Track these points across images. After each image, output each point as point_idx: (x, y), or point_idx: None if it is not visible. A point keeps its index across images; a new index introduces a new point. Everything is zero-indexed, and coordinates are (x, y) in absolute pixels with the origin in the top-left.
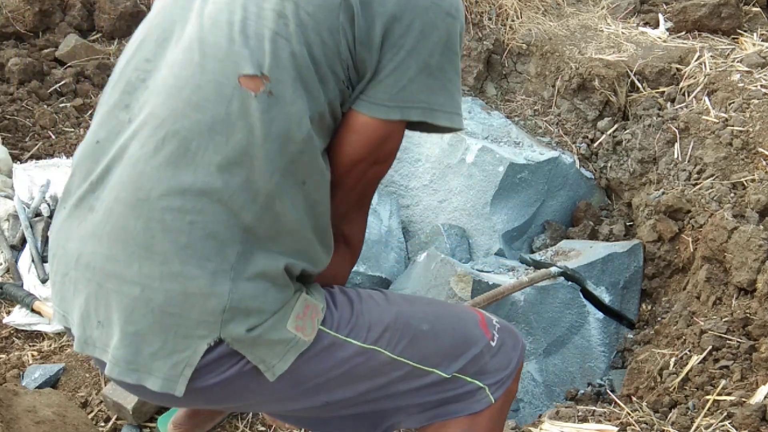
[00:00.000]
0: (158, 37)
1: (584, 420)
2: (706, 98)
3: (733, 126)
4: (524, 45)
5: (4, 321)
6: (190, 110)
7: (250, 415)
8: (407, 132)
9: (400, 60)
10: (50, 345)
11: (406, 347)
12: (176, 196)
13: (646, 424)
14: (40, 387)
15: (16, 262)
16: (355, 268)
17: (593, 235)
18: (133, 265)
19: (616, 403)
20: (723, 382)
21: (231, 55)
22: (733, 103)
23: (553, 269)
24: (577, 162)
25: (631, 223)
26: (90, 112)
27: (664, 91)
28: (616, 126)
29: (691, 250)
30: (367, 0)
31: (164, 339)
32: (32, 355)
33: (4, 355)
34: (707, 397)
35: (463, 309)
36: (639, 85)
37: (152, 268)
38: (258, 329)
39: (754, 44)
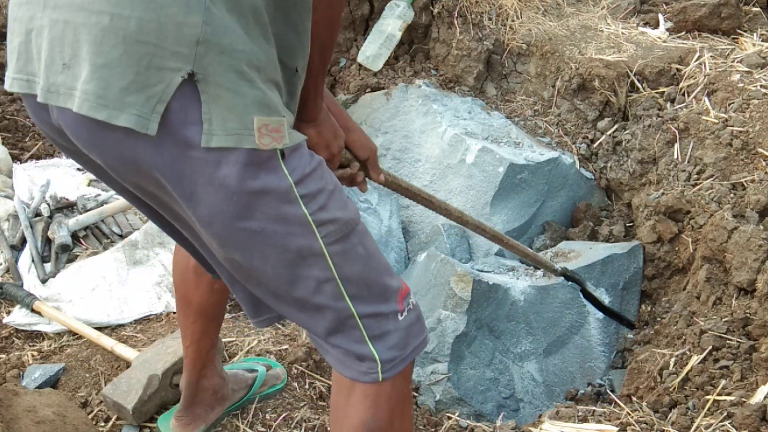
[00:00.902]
0: None
1: (584, 420)
2: (706, 98)
3: (732, 126)
4: (524, 45)
5: (4, 321)
6: None
7: (250, 415)
8: (406, 132)
9: None
10: (50, 345)
11: (338, 251)
12: None
13: (646, 424)
14: (40, 387)
15: (16, 262)
16: None
17: (593, 236)
18: None
19: (616, 403)
20: (723, 382)
21: None
22: (733, 103)
23: (558, 267)
24: (577, 162)
25: (631, 223)
26: None
27: (664, 92)
28: (616, 126)
29: (691, 250)
30: None
31: (136, 71)
32: (32, 355)
33: (4, 355)
34: (707, 397)
35: (393, 272)
36: (639, 86)
37: None
38: (231, 78)
39: (754, 44)
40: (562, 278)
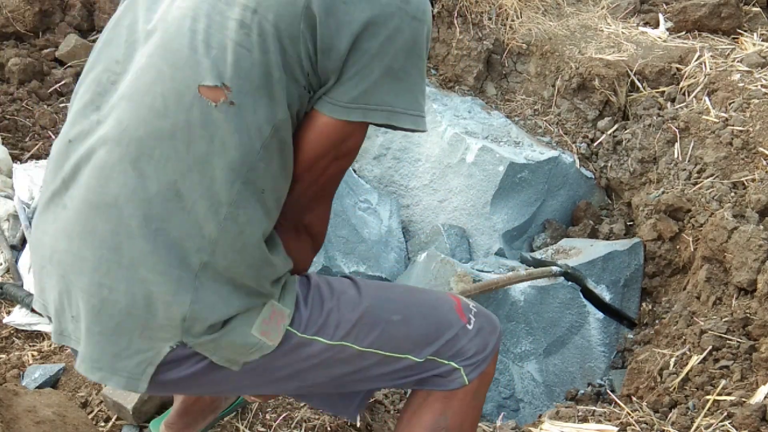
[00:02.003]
0: (127, 38)
1: (584, 420)
2: (707, 98)
3: (733, 126)
4: (524, 45)
5: (4, 321)
6: (153, 117)
7: (251, 415)
8: (407, 132)
9: (364, 64)
10: (50, 345)
11: (375, 339)
12: (142, 203)
13: (646, 424)
14: (40, 387)
15: (16, 262)
16: (355, 268)
17: (593, 235)
18: (100, 267)
19: (616, 403)
20: (723, 382)
21: (192, 65)
22: (733, 102)
23: (554, 268)
24: (577, 161)
25: (631, 222)
26: None
27: (664, 91)
28: (616, 126)
29: (692, 249)
30: (330, 9)
31: (128, 340)
32: (32, 355)
33: (4, 355)
34: (707, 397)
35: (440, 295)
36: (639, 85)
37: (119, 272)
38: (220, 332)
39: (754, 44)
40: (562, 278)
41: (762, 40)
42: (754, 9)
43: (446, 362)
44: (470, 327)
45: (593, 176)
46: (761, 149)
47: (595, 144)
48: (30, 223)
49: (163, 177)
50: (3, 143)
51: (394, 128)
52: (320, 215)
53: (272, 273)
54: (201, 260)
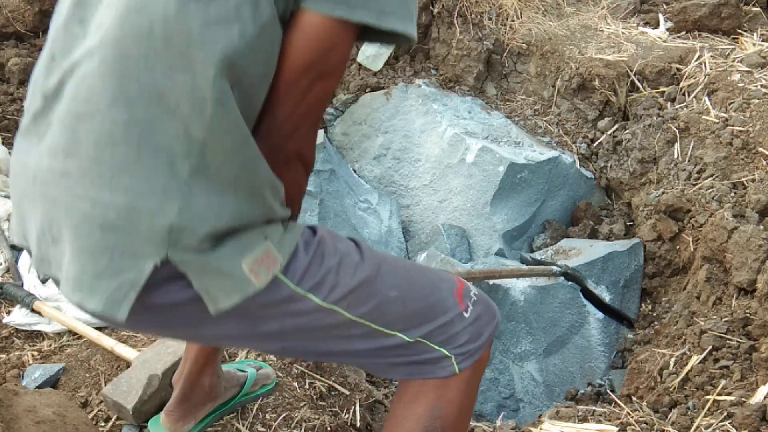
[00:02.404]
0: None
1: (584, 420)
2: (706, 98)
3: (733, 126)
4: (524, 45)
5: (4, 321)
6: (130, 13)
7: (251, 415)
8: (406, 132)
9: None
10: (50, 345)
11: (368, 311)
12: (123, 107)
13: (646, 424)
14: (40, 387)
15: (16, 262)
16: None
17: (593, 235)
18: (84, 179)
19: (616, 403)
20: (723, 382)
21: None
22: (733, 103)
23: (555, 268)
24: (577, 162)
25: (631, 222)
26: None
27: (664, 91)
28: (616, 126)
29: (692, 249)
30: None
31: (110, 257)
32: (32, 355)
33: (4, 355)
34: (707, 397)
35: (443, 276)
36: (639, 85)
37: (102, 182)
38: (209, 253)
39: (754, 44)
40: (562, 278)
41: (762, 40)
42: (754, 9)
43: (437, 347)
44: (467, 315)
45: (593, 176)
46: (761, 149)
47: (595, 144)
48: None
49: (144, 77)
50: (3, 143)
51: (381, 39)
52: (308, 140)
53: (266, 184)
54: (190, 165)
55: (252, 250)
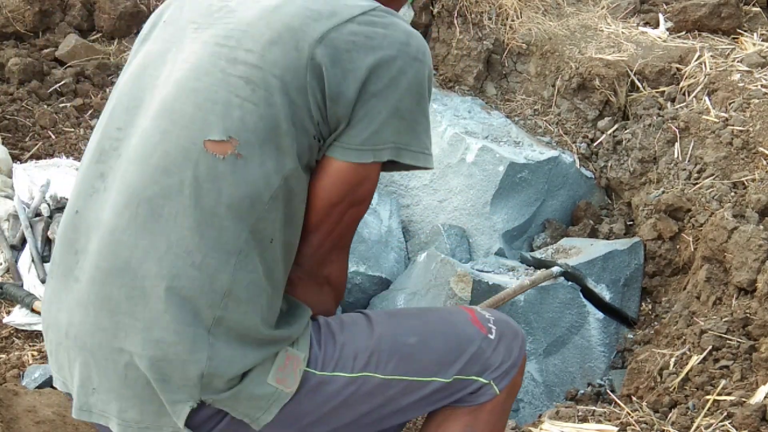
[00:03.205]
0: (128, 104)
1: (584, 420)
2: (707, 98)
3: (733, 126)
4: (524, 45)
5: (4, 321)
6: (159, 175)
7: None
8: (415, 171)
9: (372, 106)
10: None
11: (397, 365)
12: (152, 263)
13: (646, 424)
14: (40, 387)
15: (16, 262)
16: (355, 268)
17: (593, 234)
18: (119, 333)
19: (616, 403)
20: (723, 382)
21: (197, 121)
22: (733, 102)
23: (555, 269)
24: (577, 161)
25: (631, 222)
26: (90, 111)
27: (664, 91)
28: (616, 126)
29: (692, 249)
30: (335, 58)
31: (159, 402)
32: (32, 355)
33: (4, 355)
34: (707, 397)
35: (453, 310)
36: (639, 85)
37: (136, 335)
38: (237, 387)
39: (754, 44)
40: (562, 278)
41: (762, 40)
42: (754, 9)
43: (475, 378)
44: (492, 336)
45: (593, 176)
46: (761, 149)
47: (595, 144)
48: (30, 224)
49: (173, 234)
50: (3, 143)
51: (402, 168)
52: (340, 266)
53: (287, 323)
54: (214, 315)
55: (273, 362)
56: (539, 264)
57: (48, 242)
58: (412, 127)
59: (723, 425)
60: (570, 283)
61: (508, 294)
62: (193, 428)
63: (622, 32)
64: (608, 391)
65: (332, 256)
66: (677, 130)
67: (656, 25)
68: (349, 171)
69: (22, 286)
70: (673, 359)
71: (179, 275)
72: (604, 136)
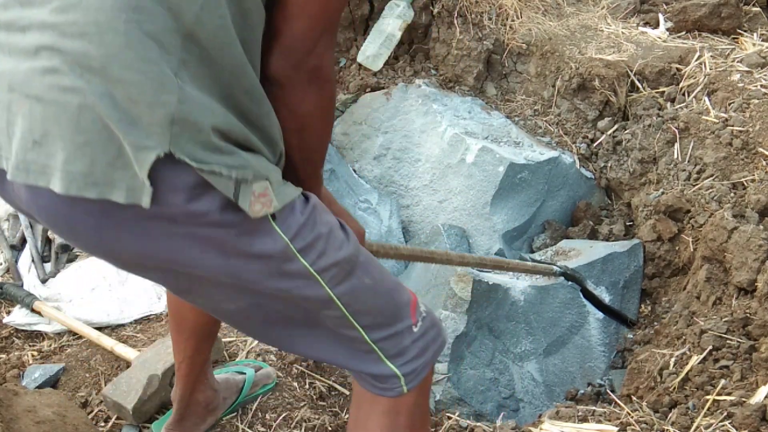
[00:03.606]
0: None
1: (584, 420)
2: (706, 98)
3: (733, 126)
4: (524, 45)
5: (4, 321)
6: None
7: (250, 415)
8: (406, 132)
9: None
10: (50, 345)
11: (345, 291)
12: None
13: (646, 424)
14: (40, 387)
15: (16, 262)
16: None
17: (593, 235)
18: (72, 73)
19: (616, 403)
20: (723, 382)
21: None
22: (733, 103)
23: (556, 268)
24: (577, 162)
25: (631, 222)
26: None
27: (664, 91)
28: (616, 126)
29: (691, 250)
30: None
31: (118, 146)
32: (32, 355)
33: (4, 355)
34: (707, 397)
35: (402, 286)
36: (639, 85)
37: (92, 74)
38: (210, 155)
39: (754, 44)
40: (562, 278)
41: (762, 40)
42: (754, 9)
43: (388, 363)
44: (415, 329)
45: (593, 176)
46: (761, 149)
47: (595, 144)
48: (30, 224)
49: None
50: None
51: None
52: (330, 55)
53: (258, 104)
54: (179, 57)
55: (253, 181)
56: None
57: (48, 242)
58: None
59: (723, 425)
60: (570, 283)
61: (510, 264)
62: (155, 184)
63: (622, 32)
64: (608, 391)
65: (321, 41)
66: (677, 131)
67: (656, 25)
68: None
69: (22, 286)
70: (673, 359)
71: (142, 8)
72: (604, 136)
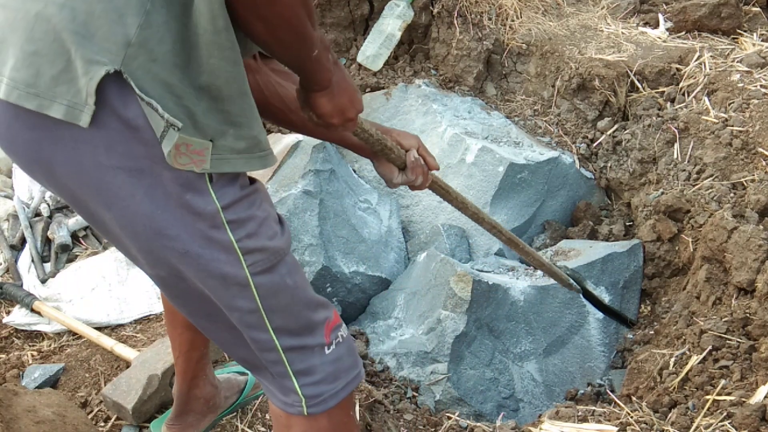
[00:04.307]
0: None
1: (584, 420)
2: (706, 98)
3: (732, 126)
4: (524, 45)
5: (4, 321)
6: None
7: (250, 415)
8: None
9: None
10: (50, 345)
11: (265, 283)
12: None
13: (646, 424)
14: (40, 387)
15: (16, 262)
16: (354, 268)
17: (593, 235)
18: None
19: (616, 403)
20: (723, 382)
21: None
22: (732, 103)
23: (576, 285)
24: (577, 162)
25: (631, 223)
26: None
27: (663, 91)
28: (616, 126)
29: (691, 250)
30: None
31: (67, 60)
32: (32, 355)
33: (4, 355)
34: (707, 397)
35: (325, 305)
36: (639, 85)
37: None
38: (156, 84)
39: (754, 44)
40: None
41: (762, 40)
42: (754, 9)
43: (292, 376)
44: (327, 351)
45: (593, 176)
46: (761, 149)
47: (595, 144)
48: (30, 224)
49: None
50: None
51: None
52: None
53: (228, 83)
54: None
55: (193, 135)
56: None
57: (48, 242)
58: None
59: (723, 425)
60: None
61: (531, 253)
62: (97, 105)
63: (622, 32)
64: (608, 391)
65: None
66: (677, 131)
67: (656, 26)
68: None
69: (21, 286)
70: (672, 359)
71: None
72: (603, 136)
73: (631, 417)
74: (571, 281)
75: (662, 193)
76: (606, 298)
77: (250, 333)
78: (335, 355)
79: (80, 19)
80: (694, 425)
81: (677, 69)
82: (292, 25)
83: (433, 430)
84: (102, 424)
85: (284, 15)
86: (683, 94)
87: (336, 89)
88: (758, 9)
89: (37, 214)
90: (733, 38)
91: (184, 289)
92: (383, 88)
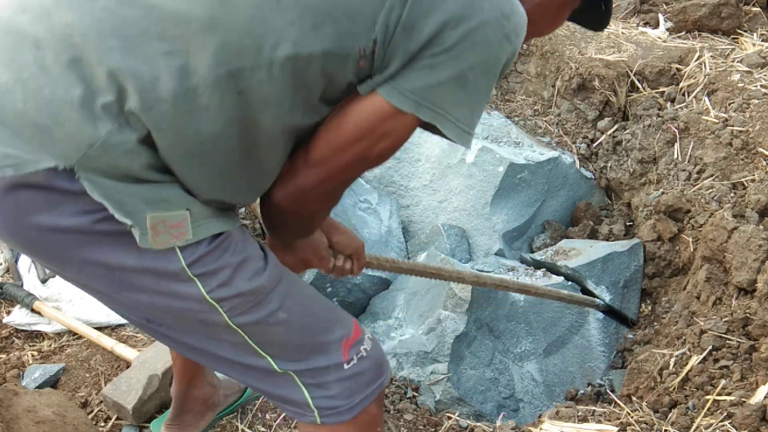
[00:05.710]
0: None
1: (584, 420)
2: (706, 98)
3: (733, 126)
4: (524, 45)
5: (4, 321)
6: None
7: (250, 415)
8: (448, 140)
9: (440, 60)
10: (50, 345)
11: (249, 322)
12: (65, 12)
13: (646, 424)
14: (40, 387)
15: (16, 262)
16: None
17: (593, 235)
18: (22, 73)
19: (616, 403)
20: (723, 382)
21: None
22: (733, 103)
23: (599, 301)
24: (577, 162)
25: (631, 222)
26: None
27: (664, 91)
28: (616, 126)
29: (691, 250)
30: None
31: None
32: (32, 355)
33: (4, 355)
34: (707, 397)
35: (341, 319)
36: (639, 85)
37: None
38: (118, 183)
39: (754, 44)
40: (563, 278)
41: (762, 40)
42: (754, 9)
43: (303, 389)
44: (346, 367)
45: (593, 176)
46: (761, 149)
47: (595, 144)
48: None
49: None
50: None
51: (436, 132)
52: (327, 208)
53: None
54: (134, 113)
55: (167, 210)
56: (538, 265)
57: None
58: (469, 101)
59: (723, 425)
60: (570, 283)
61: (542, 289)
62: (27, 185)
63: (622, 32)
64: (608, 391)
65: (329, 197)
66: (677, 131)
67: (656, 26)
68: (382, 108)
69: (22, 286)
70: (673, 359)
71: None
72: (603, 136)
73: (632, 417)
74: (597, 300)
75: (662, 193)
76: (606, 297)
77: (245, 361)
78: (356, 370)
79: (46, 111)
80: (694, 425)
81: (677, 69)
82: (309, 224)
83: (433, 430)
84: (102, 424)
85: (312, 216)
86: (683, 94)
87: (300, 246)
88: (758, 9)
89: None
90: (733, 38)
91: (164, 332)
92: None
